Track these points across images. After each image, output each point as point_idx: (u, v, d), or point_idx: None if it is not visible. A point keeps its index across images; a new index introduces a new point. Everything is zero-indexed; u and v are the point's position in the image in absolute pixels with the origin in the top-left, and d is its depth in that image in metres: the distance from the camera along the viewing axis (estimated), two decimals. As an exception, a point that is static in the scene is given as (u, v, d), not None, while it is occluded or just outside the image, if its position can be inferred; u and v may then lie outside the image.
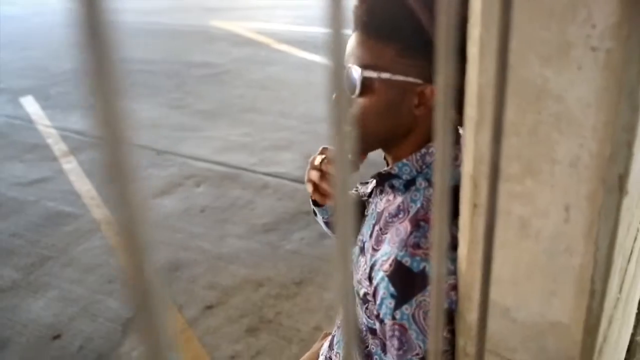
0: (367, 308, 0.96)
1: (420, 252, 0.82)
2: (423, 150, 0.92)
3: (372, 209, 1.02)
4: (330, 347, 1.17)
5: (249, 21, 9.52)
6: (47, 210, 3.61)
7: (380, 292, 0.84)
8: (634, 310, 1.37)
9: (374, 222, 0.98)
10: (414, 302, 0.82)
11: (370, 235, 0.97)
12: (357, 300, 1.00)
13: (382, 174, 0.97)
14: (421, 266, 0.82)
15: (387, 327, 0.85)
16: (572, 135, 0.57)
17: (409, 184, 0.92)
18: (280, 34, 8.16)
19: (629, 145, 0.56)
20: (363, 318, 0.98)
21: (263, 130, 4.78)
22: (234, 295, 2.72)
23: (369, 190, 1.14)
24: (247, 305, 2.63)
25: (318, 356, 1.27)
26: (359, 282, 0.96)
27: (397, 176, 0.94)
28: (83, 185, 3.90)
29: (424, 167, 0.92)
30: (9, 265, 3.06)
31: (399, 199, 0.92)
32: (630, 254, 0.88)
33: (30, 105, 5.70)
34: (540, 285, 0.66)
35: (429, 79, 0.87)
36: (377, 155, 1.01)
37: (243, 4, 11.35)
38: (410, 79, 0.86)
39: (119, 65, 0.19)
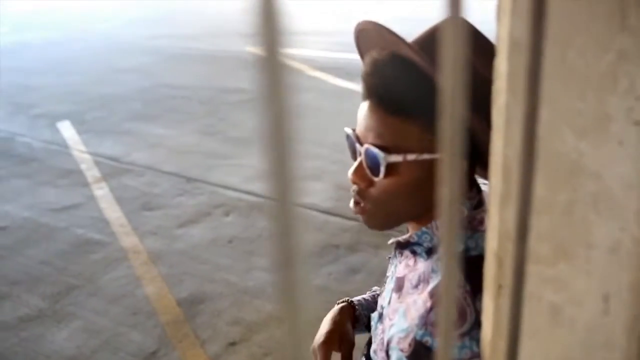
0: None
1: None
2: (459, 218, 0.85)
3: (392, 272, 0.95)
4: None
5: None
6: (76, 237, 3.62)
7: None
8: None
9: (392, 286, 0.92)
10: None
11: (389, 302, 0.90)
12: None
13: (400, 243, 0.91)
14: None
15: None
16: (612, 217, 0.50)
17: (430, 251, 0.86)
18: (315, 60, 8.18)
19: (678, 232, 0.48)
20: None
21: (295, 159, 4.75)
22: (258, 331, 2.66)
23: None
24: (271, 343, 2.57)
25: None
26: (375, 352, 0.90)
27: (417, 243, 0.87)
28: (113, 213, 3.91)
29: None
30: (36, 293, 3.06)
31: (421, 266, 0.85)
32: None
33: (66, 130, 5.79)
34: (575, 380, 0.58)
35: None
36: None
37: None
38: (437, 155, 0.80)
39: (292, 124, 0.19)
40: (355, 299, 1.16)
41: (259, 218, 3.73)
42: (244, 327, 2.69)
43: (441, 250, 0.33)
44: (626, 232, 0.49)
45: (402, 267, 0.90)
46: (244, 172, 4.48)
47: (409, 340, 0.77)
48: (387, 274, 0.99)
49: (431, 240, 0.86)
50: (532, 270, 0.55)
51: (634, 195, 0.48)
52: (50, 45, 10.72)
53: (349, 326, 1.09)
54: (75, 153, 5.13)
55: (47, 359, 2.59)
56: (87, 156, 5.02)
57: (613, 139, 0.47)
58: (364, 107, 0.83)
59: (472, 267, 0.77)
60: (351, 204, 0.89)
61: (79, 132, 5.69)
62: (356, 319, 1.13)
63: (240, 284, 3.02)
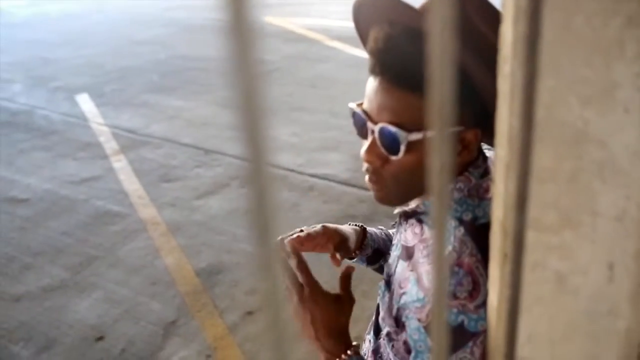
0: (393, 346, 0.90)
1: (456, 303, 0.75)
2: (450, 187, 0.85)
3: (397, 240, 0.95)
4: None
5: (301, 17, 9.50)
6: (96, 209, 3.67)
7: (416, 344, 0.79)
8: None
9: (398, 254, 0.92)
10: (453, 357, 0.75)
11: (396, 269, 0.91)
12: (384, 334, 0.94)
13: (407, 212, 0.91)
14: (459, 319, 0.75)
15: None
16: (618, 185, 0.49)
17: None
18: (333, 30, 8.10)
19: (684, 200, 0.48)
20: (390, 355, 0.92)
21: (311, 129, 4.75)
22: (275, 301, 2.69)
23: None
24: (288, 312, 2.60)
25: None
26: (383, 319, 0.91)
27: (424, 212, 0.87)
28: (131, 185, 3.95)
29: (452, 203, 0.85)
30: (58, 264, 3.12)
31: (428, 234, 0.85)
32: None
33: (85, 102, 5.83)
34: (580, 347, 0.58)
35: (470, 123, 0.80)
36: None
37: (295, 0, 11.35)
38: (454, 128, 0.79)
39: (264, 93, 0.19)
40: (368, 228, 1.16)
41: (276, 189, 3.75)
42: (261, 297, 2.72)
43: (432, 218, 0.33)
44: (631, 200, 0.49)
45: (409, 235, 0.90)
46: (261, 144, 4.49)
47: (426, 311, 0.78)
48: (393, 242, 1.00)
49: None
50: (537, 239, 0.55)
51: (639, 163, 0.47)
52: (68, 17, 10.72)
53: (350, 237, 1.09)
54: (94, 125, 5.17)
55: (70, 328, 2.65)
56: (105, 129, 5.06)
57: (619, 106, 0.47)
58: (374, 83, 0.81)
59: (482, 236, 0.77)
60: (366, 179, 0.88)
61: (97, 105, 5.72)
62: (362, 246, 1.14)
63: (258, 255, 3.05)
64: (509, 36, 0.51)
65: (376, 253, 1.15)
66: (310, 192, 3.68)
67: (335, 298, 0.96)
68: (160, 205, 3.63)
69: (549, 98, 0.50)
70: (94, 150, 4.61)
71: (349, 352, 0.92)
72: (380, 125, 0.80)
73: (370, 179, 0.87)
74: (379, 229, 1.20)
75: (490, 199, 0.86)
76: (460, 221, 0.82)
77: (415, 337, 0.78)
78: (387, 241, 1.17)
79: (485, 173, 0.87)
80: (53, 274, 3.05)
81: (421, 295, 0.79)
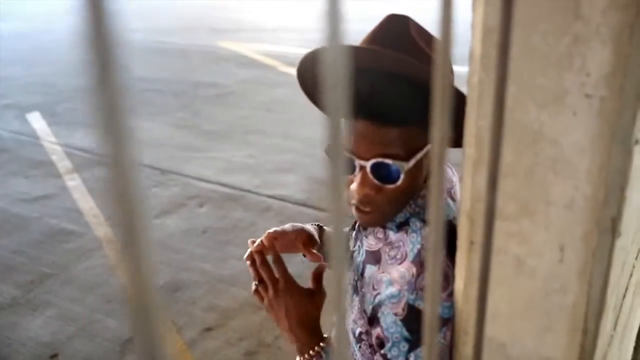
0: (360, 347, 0.97)
1: None
2: (415, 196, 0.93)
3: (358, 246, 1.03)
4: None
5: (256, 43, 9.62)
6: (49, 227, 3.63)
7: (392, 336, 0.85)
8: (631, 345, 1.38)
9: (362, 259, 0.99)
10: None
11: (362, 274, 0.98)
12: (351, 339, 1.01)
13: None
14: None
15: None
16: (567, 178, 0.59)
17: (401, 225, 0.94)
18: (287, 56, 8.23)
19: (622, 189, 0.57)
20: (357, 355, 0.99)
21: (267, 152, 4.81)
22: (233, 317, 2.72)
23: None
24: (247, 329, 2.63)
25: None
26: (354, 322, 0.97)
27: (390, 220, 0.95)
28: (86, 203, 3.92)
29: (416, 208, 0.93)
30: (9, 282, 3.07)
31: (394, 238, 0.93)
32: (626, 290, 0.89)
33: (36, 121, 5.75)
34: (535, 322, 0.67)
35: None
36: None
37: (250, 26, 11.48)
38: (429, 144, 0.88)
39: (125, 83, 0.19)
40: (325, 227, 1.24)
41: (233, 209, 3.79)
42: (220, 314, 2.75)
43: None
44: (579, 190, 0.58)
45: (371, 240, 0.97)
46: (218, 165, 4.53)
47: (402, 305, 0.84)
48: (352, 249, 1.07)
49: (405, 215, 0.93)
50: (500, 227, 0.64)
51: (585, 158, 0.56)
52: (17, 36, 10.55)
53: (315, 234, 1.17)
54: (46, 144, 5.11)
55: (23, 346, 2.60)
56: (58, 147, 5.00)
57: (568, 110, 0.56)
58: (357, 125, 0.87)
59: (448, 233, 0.86)
60: (353, 210, 0.93)
61: (50, 124, 5.65)
62: (322, 242, 1.23)
63: (215, 272, 3.08)
64: (477, 51, 0.60)
65: None
66: (266, 212, 3.73)
67: (309, 292, 1.03)
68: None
69: (512, 103, 0.59)
70: (46, 168, 4.55)
71: (321, 344, 0.99)
72: (373, 161, 0.86)
73: (360, 210, 0.92)
74: None
75: (446, 199, 0.95)
76: (425, 222, 0.90)
77: (392, 329, 0.84)
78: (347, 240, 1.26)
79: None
80: (4, 292, 2.99)
81: (395, 292, 0.86)
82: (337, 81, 0.25)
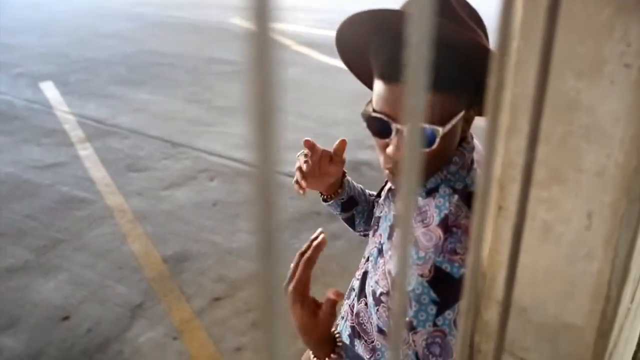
0: (378, 310, 0.99)
1: (457, 257, 0.85)
2: (448, 162, 0.95)
3: (385, 211, 1.05)
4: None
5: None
6: (61, 194, 3.66)
7: (419, 298, 0.86)
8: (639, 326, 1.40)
9: (390, 224, 1.01)
10: (456, 307, 0.84)
11: (389, 237, 1.00)
12: (370, 301, 1.02)
13: None
14: (461, 272, 0.84)
15: (426, 334, 0.86)
16: (600, 146, 0.60)
17: (430, 191, 0.95)
18: (301, 36, 8.20)
19: (654, 159, 0.59)
20: (373, 317, 1.01)
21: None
22: (242, 289, 2.75)
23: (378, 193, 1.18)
24: (255, 300, 2.66)
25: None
26: (377, 283, 0.99)
27: (421, 186, 0.97)
28: (98, 172, 3.95)
29: (447, 175, 0.95)
30: (21, 245, 3.11)
31: (421, 203, 0.95)
32: (644, 267, 0.91)
33: (49, 90, 5.77)
34: (557, 288, 0.69)
35: (469, 102, 0.91)
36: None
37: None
38: (463, 112, 0.90)
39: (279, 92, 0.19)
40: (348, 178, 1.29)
41: (243, 184, 3.81)
42: (228, 284, 2.78)
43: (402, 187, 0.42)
44: (611, 158, 0.60)
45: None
46: (229, 140, 4.54)
47: (428, 266, 0.86)
48: (378, 214, 1.09)
49: (435, 182, 0.95)
50: (530, 193, 0.66)
51: (620, 126, 0.58)
52: (32, 5, 10.54)
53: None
54: (59, 113, 5.13)
55: (35, 307, 2.65)
56: (70, 117, 5.03)
57: (606, 79, 0.58)
58: (394, 88, 0.88)
59: (473, 201, 0.88)
60: (387, 173, 0.95)
61: (62, 93, 5.67)
62: (342, 184, 1.27)
63: (225, 244, 3.11)
64: (518, 16, 0.61)
65: (350, 201, 1.26)
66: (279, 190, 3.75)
67: (313, 312, 0.96)
68: (127, 194, 3.65)
69: (551, 71, 0.60)
70: (58, 137, 4.58)
71: (332, 355, 0.96)
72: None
73: (395, 173, 0.94)
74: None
75: (474, 170, 0.96)
76: (454, 190, 0.92)
77: (419, 291, 0.86)
78: (362, 195, 1.30)
79: (472, 149, 0.97)
80: (17, 255, 3.04)
81: (422, 254, 0.88)
82: (420, 38, 0.27)
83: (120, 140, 4.50)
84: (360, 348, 1.07)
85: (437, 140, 0.87)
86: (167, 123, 4.90)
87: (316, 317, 0.96)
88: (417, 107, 0.27)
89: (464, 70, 0.86)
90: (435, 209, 0.92)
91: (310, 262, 0.97)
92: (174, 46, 7.71)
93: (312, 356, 1.00)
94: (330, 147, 1.08)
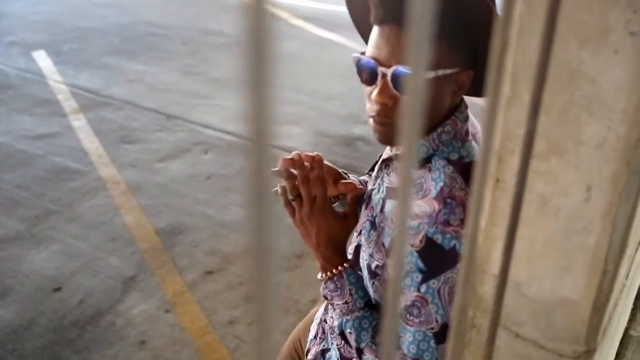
0: (374, 283, 0.98)
1: (450, 229, 0.84)
2: (439, 129, 0.93)
3: (378, 185, 1.04)
4: (326, 310, 1.18)
5: (265, -6, 9.44)
6: (54, 165, 3.63)
7: (407, 266, 0.86)
8: (631, 303, 1.40)
9: (382, 196, 1.00)
10: (442, 277, 0.84)
11: (382, 210, 0.99)
12: (365, 274, 1.02)
13: (391, 158, 0.98)
14: (452, 243, 0.84)
15: (408, 298, 0.87)
16: (602, 117, 0.59)
17: (423, 162, 0.94)
18: (297, 9, 8.10)
19: (657, 131, 0.57)
20: (370, 291, 1.01)
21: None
22: (234, 262, 2.75)
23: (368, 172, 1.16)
24: (247, 273, 2.66)
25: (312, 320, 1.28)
26: (371, 256, 0.98)
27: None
28: (91, 143, 3.92)
29: (439, 145, 0.93)
30: (13, 216, 3.09)
31: (414, 174, 0.93)
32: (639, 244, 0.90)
33: (42, 59, 5.69)
34: (554, 262, 0.68)
35: (464, 64, 0.89)
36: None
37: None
38: (455, 70, 0.87)
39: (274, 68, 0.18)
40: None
41: (237, 157, 3.79)
42: (221, 258, 2.78)
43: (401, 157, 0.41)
44: (612, 130, 0.58)
45: (394, 177, 0.98)
46: (224, 113, 4.51)
47: (419, 237, 0.86)
48: (370, 187, 1.08)
49: (427, 151, 0.93)
50: (529, 165, 0.64)
51: (622, 97, 0.56)
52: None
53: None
54: (52, 83, 5.07)
55: (27, 278, 2.64)
56: (63, 87, 4.97)
57: (610, 48, 0.56)
58: (383, 31, 0.87)
59: (468, 173, 0.87)
60: (371, 123, 0.93)
61: (55, 63, 5.60)
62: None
63: (218, 218, 3.10)
64: (522, -17, 0.59)
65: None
66: (271, 162, 3.73)
67: (343, 216, 1.05)
68: (121, 165, 3.62)
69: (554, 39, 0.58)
70: (51, 107, 4.53)
71: (345, 264, 1.01)
72: (394, 67, 0.86)
73: (378, 122, 0.92)
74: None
75: (469, 141, 0.95)
76: (449, 161, 0.91)
77: (407, 259, 0.86)
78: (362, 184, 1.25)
79: (466, 119, 0.96)
80: (8, 225, 3.02)
81: (414, 224, 0.87)
82: None
83: (114, 112, 4.46)
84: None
85: None
86: (162, 95, 4.85)
87: (343, 222, 1.01)
88: (421, 53, 0.26)
89: (458, 19, 0.84)
90: (431, 181, 0.90)
91: (321, 179, 0.98)
92: (170, 17, 7.61)
93: (320, 272, 1.02)
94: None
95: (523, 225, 0.68)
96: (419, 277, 0.85)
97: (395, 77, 0.86)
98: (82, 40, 6.36)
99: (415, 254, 0.85)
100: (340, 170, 1.15)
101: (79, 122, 4.25)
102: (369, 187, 1.11)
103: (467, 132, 0.94)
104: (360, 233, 1.06)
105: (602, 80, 0.57)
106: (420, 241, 0.85)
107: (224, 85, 5.18)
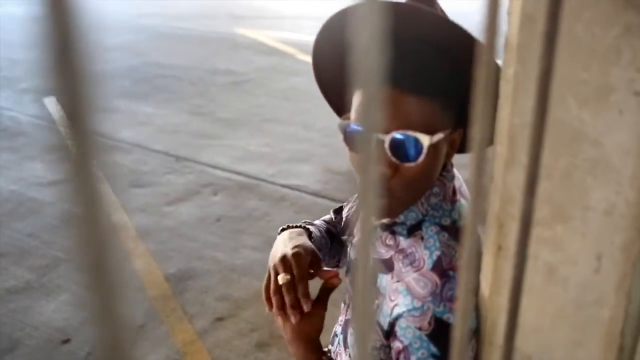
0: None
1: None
2: (427, 192, 0.86)
3: None
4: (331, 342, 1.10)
5: (274, 30, 9.56)
6: (63, 212, 3.62)
7: (418, 352, 0.77)
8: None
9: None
10: None
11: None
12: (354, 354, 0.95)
13: (386, 225, 0.90)
14: None
15: None
16: (608, 182, 0.54)
17: (412, 229, 0.87)
18: (306, 44, 8.15)
19: (670, 197, 0.52)
20: None
21: (283, 141, 4.77)
22: (245, 308, 2.69)
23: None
24: (258, 320, 2.60)
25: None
26: None
27: (401, 223, 0.87)
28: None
29: (429, 209, 0.87)
30: (23, 266, 3.07)
31: (404, 244, 0.86)
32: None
33: (53, 105, 5.75)
34: (566, 335, 0.62)
35: (453, 124, 0.83)
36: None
37: (269, 13, 11.41)
38: (448, 131, 0.82)
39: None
40: (309, 226, 1.08)
41: (247, 198, 3.76)
42: (232, 303, 2.72)
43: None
44: (621, 196, 0.53)
45: (382, 248, 0.89)
46: (233, 153, 4.49)
47: (427, 318, 0.77)
48: (353, 257, 0.98)
49: (416, 217, 0.86)
50: (531, 232, 0.59)
51: (630, 161, 0.52)
52: (35, 19, 10.56)
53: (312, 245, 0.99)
54: (63, 129, 5.10)
55: (35, 330, 2.60)
56: (74, 132, 5.00)
57: (614, 108, 0.51)
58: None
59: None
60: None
61: (67, 108, 5.65)
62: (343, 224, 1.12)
63: (228, 262, 3.05)
64: (514, 41, 0.55)
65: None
66: (281, 202, 3.70)
67: (308, 313, 0.90)
68: (131, 210, 3.60)
69: (551, 99, 0.54)
70: (62, 153, 4.55)
71: (323, 358, 0.91)
72: (393, 134, 0.78)
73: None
74: (321, 221, 1.16)
75: (458, 201, 0.89)
76: (442, 227, 0.84)
77: (416, 345, 0.77)
78: (322, 238, 1.10)
79: (452, 178, 0.89)
80: (18, 275, 2.99)
81: (418, 304, 0.79)
82: (369, 43, 0.21)
83: (124, 155, 4.46)
84: None
85: (424, 151, 0.78)
86: (171, 136, 4.86)
87: (307, 316, 0.89)
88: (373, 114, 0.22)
89: (451, 73, 0.79)
90: (424, 250, 0.83)
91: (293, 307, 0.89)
92: (178, 58, 7.69)
93: None
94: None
95: (529, 294, 0.62)
96: None
97: (397, 144, 0.78)
98: (93, 87, 6.42)
99: (426, 339, 0.77)
100: (313, 248, 0.97)
101: (89, 167, 4.25)
102: (351, 255, 1.03)
103: (454, 191, 0.88)
104: (349, 307, 1.00)
105: (606, 143, 0.52)
106: (429, 323, 0.77)
107: (232, 125, 5.19)
